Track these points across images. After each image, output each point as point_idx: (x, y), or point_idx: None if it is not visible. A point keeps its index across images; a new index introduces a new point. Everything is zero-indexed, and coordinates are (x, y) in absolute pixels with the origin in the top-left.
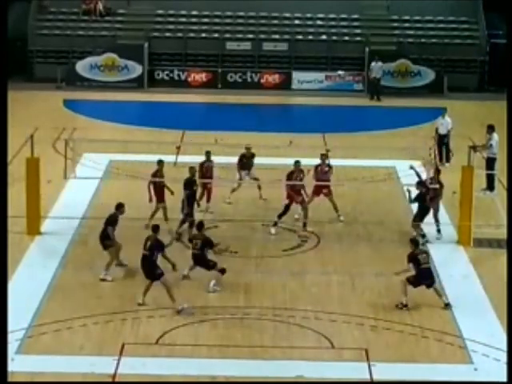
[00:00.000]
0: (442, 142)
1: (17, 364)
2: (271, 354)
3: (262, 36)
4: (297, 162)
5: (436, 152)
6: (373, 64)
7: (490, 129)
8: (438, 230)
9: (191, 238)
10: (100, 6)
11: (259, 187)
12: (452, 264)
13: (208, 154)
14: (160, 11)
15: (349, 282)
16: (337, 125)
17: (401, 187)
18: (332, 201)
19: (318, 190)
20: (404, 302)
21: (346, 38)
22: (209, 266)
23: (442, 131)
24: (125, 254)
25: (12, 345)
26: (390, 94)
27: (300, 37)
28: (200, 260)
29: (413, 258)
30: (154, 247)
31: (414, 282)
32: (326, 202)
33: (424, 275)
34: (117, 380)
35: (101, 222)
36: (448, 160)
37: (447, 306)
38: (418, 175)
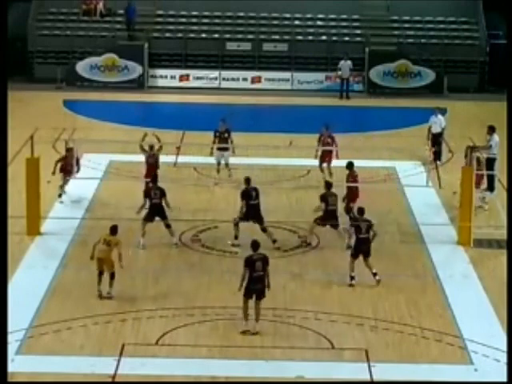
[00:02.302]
0: (436, 140)
1: (17, 364)
2: (271, 355)
3: (262, 36)
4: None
5: (431, 151)
6: (342, 62)
7: (491, 130)
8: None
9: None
10: (100, 6)
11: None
12: (452, 264)
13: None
14: (160, 11)
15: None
16: (337, 125)
17: (401, 187)
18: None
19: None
20: (308, 240)
21: (346, 38)
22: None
23: (436, 130)
24: (125, 255)
25: (12, 345)
26: (390, 95)
27: (300, 37)
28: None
29: (324, 199)
30: (266, 265)
31: (322, 222)
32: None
33: (330, 215)
34: (117, 380)
35: (101, 223)
36: (440, 158)
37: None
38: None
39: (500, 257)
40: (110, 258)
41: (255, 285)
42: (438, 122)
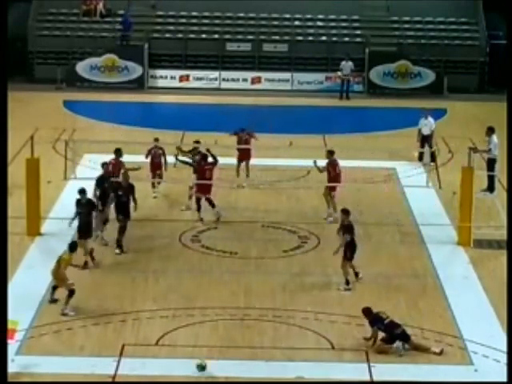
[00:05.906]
0: (426, 142)
1: (17, 365)
2: (271, 355)
3: (262, 37)
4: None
5: (418, 152)
6: (343, 63)
7: (490, 131)
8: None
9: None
10: (100, 6)
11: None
12: (452, 265)
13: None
14: (160, 12)
15: None
16: (337, 126)
17: (401, 188)
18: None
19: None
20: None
21: (346, 38)
22: None
23: (426, 132)
24: (125, 255)
25: (12, 345)
26: (391, 95)
27: (300, 38)
28: None
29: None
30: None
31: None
32: (325, 203)
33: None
34: (117, 380)
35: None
36: (433, 160)
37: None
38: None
39: (500, 257)
40: (58, 274)
41: (397, 329)
42: (428, 124)
